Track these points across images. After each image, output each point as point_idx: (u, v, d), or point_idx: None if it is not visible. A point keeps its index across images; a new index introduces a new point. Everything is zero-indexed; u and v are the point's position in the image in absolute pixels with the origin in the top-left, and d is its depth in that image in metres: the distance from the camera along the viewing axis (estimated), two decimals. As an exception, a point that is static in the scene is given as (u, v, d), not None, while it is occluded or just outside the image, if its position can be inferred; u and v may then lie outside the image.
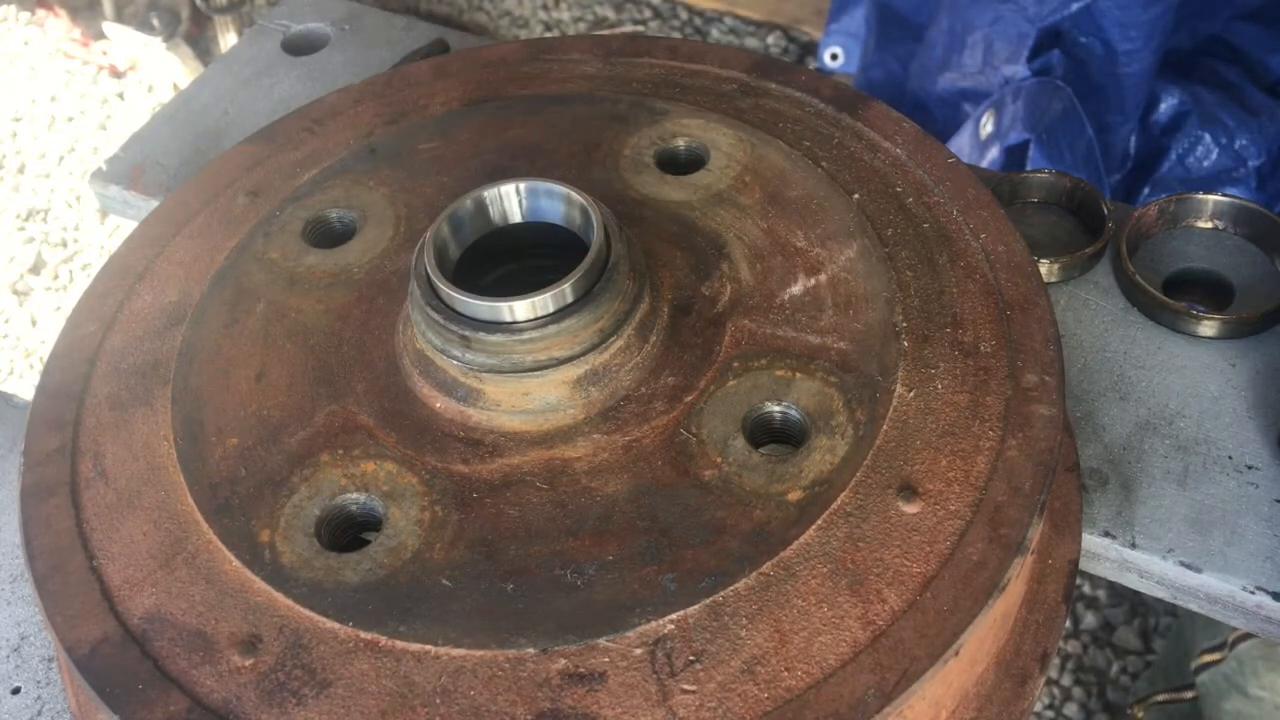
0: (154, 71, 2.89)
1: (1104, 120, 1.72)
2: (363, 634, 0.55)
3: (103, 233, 2.64)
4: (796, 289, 0.68)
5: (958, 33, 1.83)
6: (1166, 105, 1.78)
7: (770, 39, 2.80)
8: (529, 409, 0.62)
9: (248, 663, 0.55)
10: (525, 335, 0.60)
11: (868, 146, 0.76)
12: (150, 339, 0.71)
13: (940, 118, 1.88)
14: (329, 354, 0.68)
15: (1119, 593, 1.88)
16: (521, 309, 0.60)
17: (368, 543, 0.59)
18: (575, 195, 0.64)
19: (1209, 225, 0.86)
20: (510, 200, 0.66)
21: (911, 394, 0.62)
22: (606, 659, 0.53)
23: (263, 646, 0.56)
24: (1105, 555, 0.72)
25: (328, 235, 0.75)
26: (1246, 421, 0.75)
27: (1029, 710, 0.64)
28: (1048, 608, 0.67)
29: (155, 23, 2.81)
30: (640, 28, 2.80)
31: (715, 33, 2.81)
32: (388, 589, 0.57)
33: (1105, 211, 0.84)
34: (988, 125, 1.70)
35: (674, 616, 0.54)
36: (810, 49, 2.70)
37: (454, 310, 0.62)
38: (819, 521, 0.57)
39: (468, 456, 0.62)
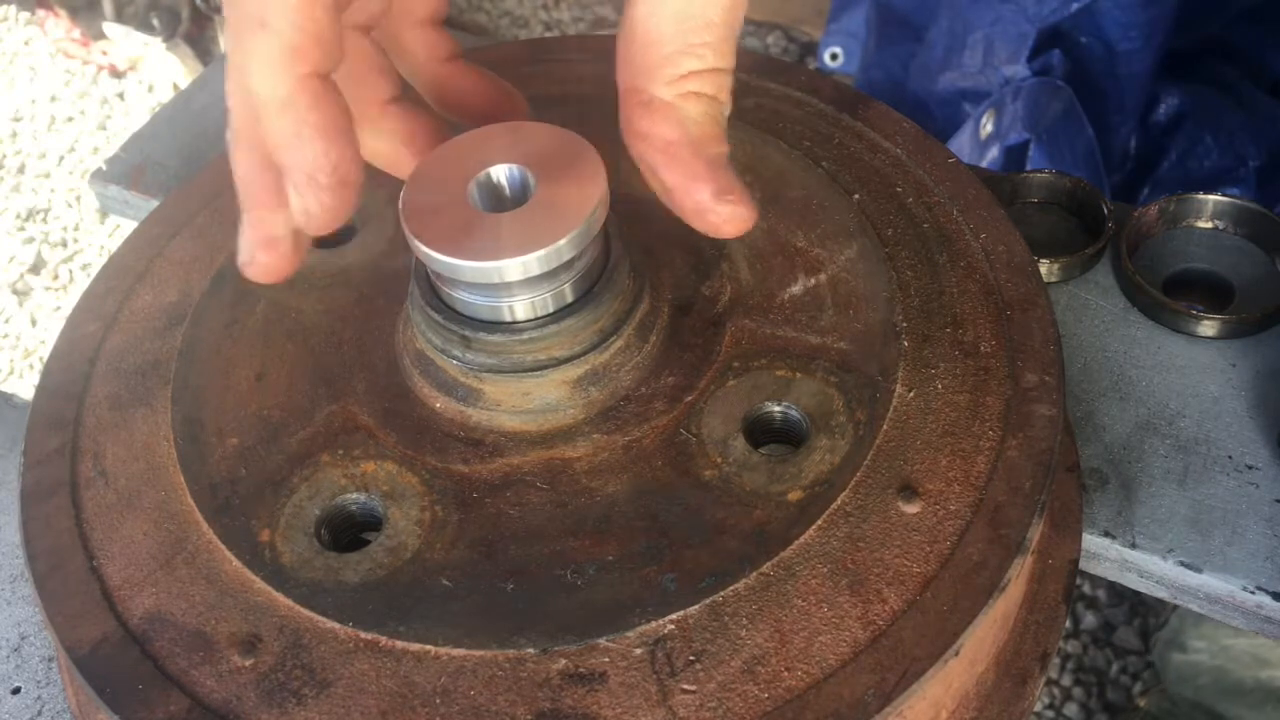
0: (154, 71, 2.89)
1: (1104, 120, 1.72)
2: (363, 634, 0.55)
3: (103, 233, 2.64)
4: (796, 289, 0.68)
5: (958, 33, 1.83)
6: (1166, 105, 1.78)
7: (770, 39, 2.80)
8: (529, 409, 0.62)
9: (248, 663, 0.55)
10: (525, 335, 0.61)
11: (868, 147, 0.76)
12: (150, 339, 0.71)
13: (940, 118, 1.88)
14: (329, 354, 0.68)
15: (1119, 593, 1.88)
16: (521, 309, 0.60)
17: (368, 543, 0.59)
18: (575, 195, 0.64)
19: (1209, 225, 0.86)
20: (510, 200, 0.66)
21: (912, 394, 0.62)
22: (606, 659, 0.54)
23: (263, 646, 0.56)
24: (1105, 555, 0.72)
25: (328, 235, 0.75)
26: (1246, 421, 0.75)
27: (1029, 710, 0.64)
28: (1048, 608, 0.67)
29: (155, 23, 2.81)
30: (640, 28, 2.79)
31: (715, 33, 2.80)
32: (388, 589, 0.57)
33: (1105, 211, 0.84)
34: (988, 125, 1.70)
35: (674, 616, 0.54)
36: (810, 49, 2.70)
37: (454, 310, 0.62)
38: (819, 521, 0.57)
39: (468, 456, 0.62)
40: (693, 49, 0.54)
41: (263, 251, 0.57)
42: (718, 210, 0.56)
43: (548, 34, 2.90)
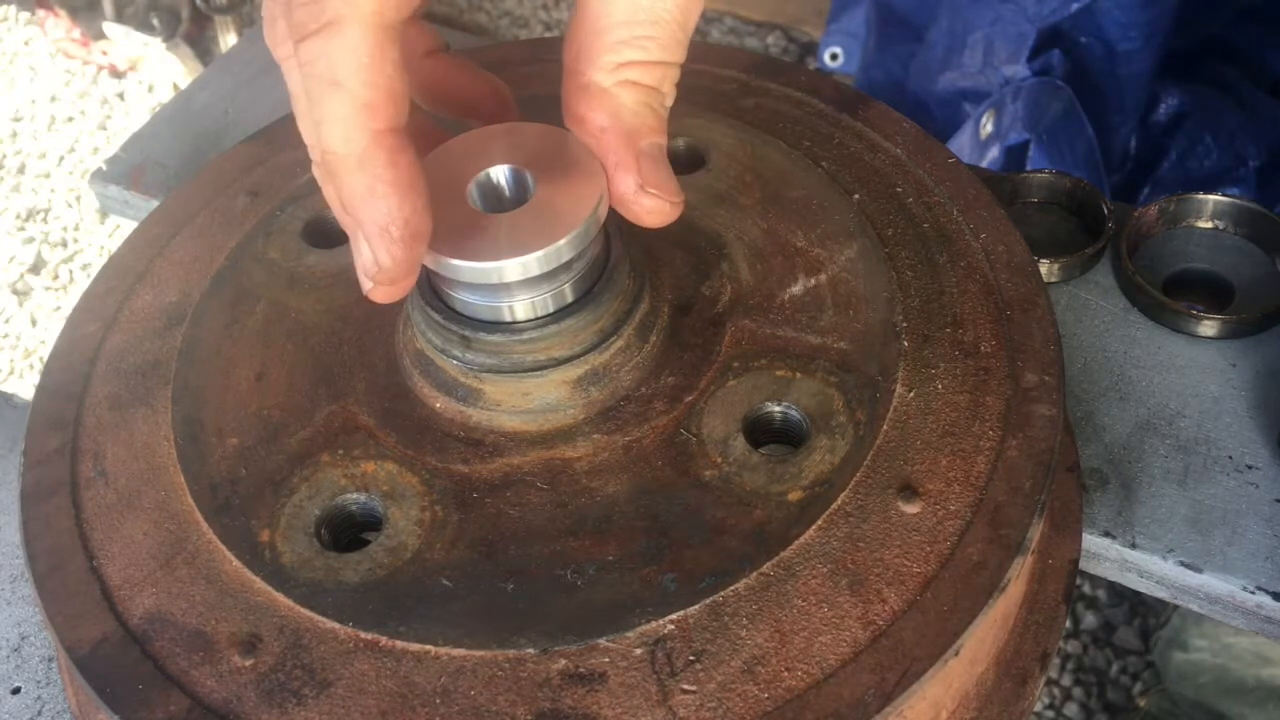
0: (154, 71, 2.89)
1: (1104, 120, 1.72)
2: (363, 634, 0.55)
3: (103, 233, 2.64)
4: (797, 289, 0.68)
5: (958, 33, 1.83)
6: (1166, 105, 1.78)
7: (770, 39, 2.80)
8: (529, 409, 0.62)
9: (248, 663, 0.55)
10: (525, 335, 0.61)
11: (868, 147, 0.76)
12: (150, 339, 0.71)
13: (940, 118, 1.88)
14: (329, 354, 0.68)
15: (1119, 593, 1.88)
16: (521, 309, 0.60)
17: (368, 543, 0.59)
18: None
19: (1209, 225, 0.86)
20: (510, 199, 0.66)
21: (912, 394, 0.62)
22: (606, 659, 0.54)
23: (263, 646, 0.56)
24: (1105, 555, 0.72)
25: (328, 235, 0.75)
26: (1247, 421, 0.75)
27: (1029, 710, 0.64)
28: (1048, 608, 0.67)
29: (155, 23, 2.81)
30: (640, 28, 2.79)
31: (715, 33, 2.81)
32: (388, 589, 0.57)
33: (1105, 211, 0.84)
34: (988, 125, 1.70)
35: (674, 616, 0.54)
36: (810, 49, 2.70)
37: (454, 310, 0.62)
38: (819, 521, 0.57)
39: (468, 456, 0.62)
40: (637, 40, 0.54)
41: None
42: (640, 202, 0.58)
43: (548, 34, 2.90)
